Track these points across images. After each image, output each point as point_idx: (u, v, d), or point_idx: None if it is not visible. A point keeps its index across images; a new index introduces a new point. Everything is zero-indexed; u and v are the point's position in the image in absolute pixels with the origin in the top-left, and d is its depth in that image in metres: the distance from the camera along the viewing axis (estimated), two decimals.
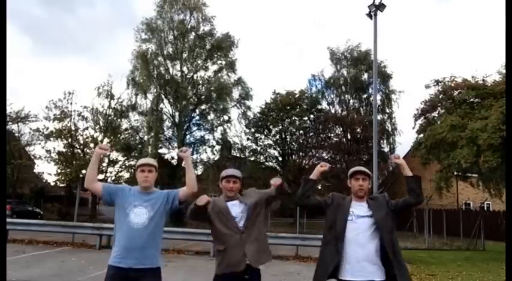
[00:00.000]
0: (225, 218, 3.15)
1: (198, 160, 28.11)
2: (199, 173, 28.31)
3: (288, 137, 32.18)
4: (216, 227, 3.18)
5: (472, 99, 14.74)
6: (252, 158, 31.88)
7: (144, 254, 2.96)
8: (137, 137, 27.54)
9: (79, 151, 25.32)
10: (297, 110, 31.07)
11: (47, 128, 25.15)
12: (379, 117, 29.38)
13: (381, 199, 3.06)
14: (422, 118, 16.30)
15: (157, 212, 3.08)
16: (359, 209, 2.96)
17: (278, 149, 32.58)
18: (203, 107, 27.49)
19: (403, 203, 3.03)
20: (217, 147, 28.40)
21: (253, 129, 31.61)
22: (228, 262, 3.08)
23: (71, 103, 25.78)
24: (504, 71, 13.66)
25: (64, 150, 24.73)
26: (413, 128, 16.42)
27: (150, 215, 3.03)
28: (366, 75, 33.12)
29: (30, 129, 27.69)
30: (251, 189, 3.42)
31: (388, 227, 2.88)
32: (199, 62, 27.12)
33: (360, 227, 2.87)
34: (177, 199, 3.18)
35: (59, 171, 24.51)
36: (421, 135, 15.73)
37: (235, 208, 3.20)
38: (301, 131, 31.92)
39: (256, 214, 3.20)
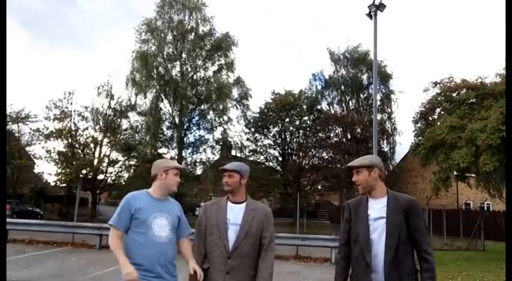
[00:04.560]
0: (218, 231, 2.68)
1: (197, 160, 28.14)
2: (199, 173, 28.32)
3: (287, 137, 32.20)
4: (206, 239, 2.74)
5: (471, 100, 14.73)
6: (252, 158, 31.90)
7: (167, 272, 2.72)
8: (137, 137, 27.58)
9: (79, 151, 25.31)
10: (297, 110, 31.10)
11: (47, 128, 25.17)
12: (378, 117, 29.39)
13: (406, 204, 2.49)
14: (421, 120, 16.31)
15: (175, 225, 2.84)
16: (375, 210, 2.53)
17: (278, 149, 32.60)
18: (203, 107, 27.50)
19: (414, 244, 2.47)
20: (217, 147, 28.44)
21: (253, 129, 31.63)
22: None
23: (71, 103, 25.83)
24: (503, 72, 13.66)
25: (64, 150, 24.73)
26: (413, 130, 16.46)
27: (171, 228, 2.79)
28: (365, 75, 33.19)
29: (30, 129, 27.74)
30: (266, 208, 2.85)
31: (402, 235, 2.43)
32: (198, 62, 27.15)
33: (377, 229, 2.48)
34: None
35: (59, 171, 24.51)
36: (419, 138, 15.73)
37: (237, 212, 2.72)
38: (301, 131, 31.93)
39: (248, 241, 2.67)
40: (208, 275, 2.65)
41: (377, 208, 2.53)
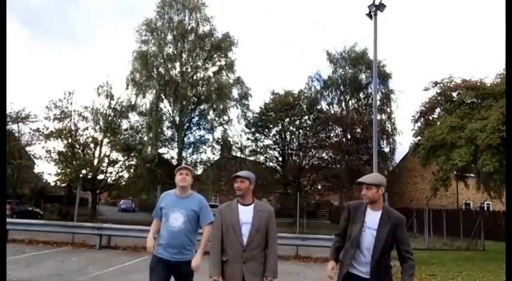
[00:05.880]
0: (233, 230, 3.24)
1: (198, 160, 28.13)
2: (199, 173, 28.33)
3: (287, 137, 32.19)
4: (223, 236, 3.29)
5: (471, 100, 14.71)
6: (252, 158, 31.88)
7: (180, 251, 3.58)
8: (137, 137, 27.58)
9: (79, 151, 25.30)
10: (296, 110, 31.10)
11: (47, 128, 25.16)
12: (378, 117, 29.40)
13: (395, 220, 3.12)
14: (421, 120, 16.27)
15: (190, 216, 3.64)
16: (371, 220, 3.15)
17: (278, 149, 32.59)
18: (203, 107, 27.49)
19: (398, 249, 3.17)
20: (217, 147, 28.43)
21: (253, 129, 31.63)
22: (227, 277, 3.22)
23: (71, 103, 25.80)
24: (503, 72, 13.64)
25: (64, 150, 24.72)
26: (412, 129, 16.43)
27: (185, 220, 3.61)
28: (364, 75, 33.20)
29: (30, 129, 27.68)
30: (270, 208, 3.43)
31: (386, 245, 3.09)
32: (198, 62, 27.14)
33: (368, 237, 3.12)
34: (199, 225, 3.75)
35: (59, 171, 24.50)
36: (419, 138, 15.70)
37: (247, 213, 3.29)
38: (300, 131, 31.92)
39: (258, 236, 3.26)
40: (228, 265, 3.22)
41: (373, 218, 3.15)
